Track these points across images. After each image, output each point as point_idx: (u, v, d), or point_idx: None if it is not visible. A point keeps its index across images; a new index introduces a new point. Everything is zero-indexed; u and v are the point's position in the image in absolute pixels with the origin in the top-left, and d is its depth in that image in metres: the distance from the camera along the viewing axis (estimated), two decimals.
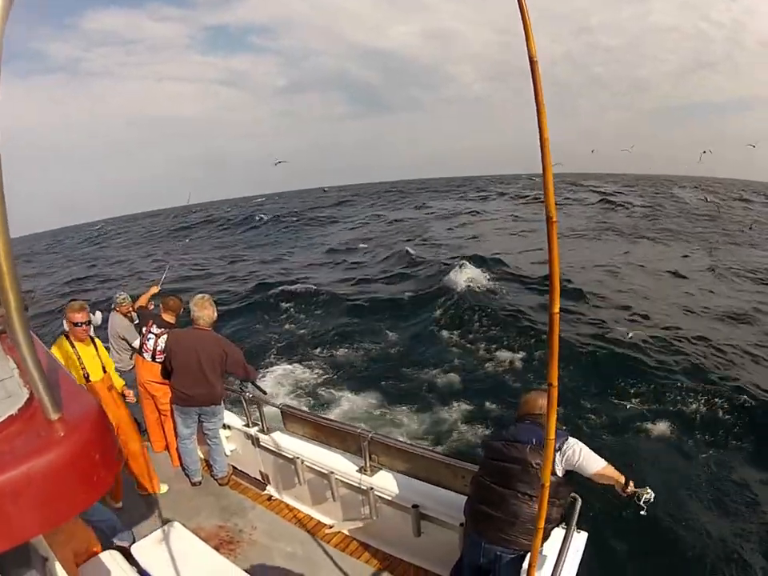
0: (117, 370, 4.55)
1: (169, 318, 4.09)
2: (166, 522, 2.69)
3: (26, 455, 0.72)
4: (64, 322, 4.08)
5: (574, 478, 2.10)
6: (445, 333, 10.04)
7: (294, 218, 33.04)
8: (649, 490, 2.00)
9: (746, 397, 6.78)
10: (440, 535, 2.57)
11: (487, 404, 6.97)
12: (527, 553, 1.90)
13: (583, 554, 2.07)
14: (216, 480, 3.68)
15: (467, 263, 13.54)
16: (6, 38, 0.66)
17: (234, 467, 3.81)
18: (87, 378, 3.24)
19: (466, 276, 12.72)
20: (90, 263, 24.99)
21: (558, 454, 2.04)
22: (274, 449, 3.37)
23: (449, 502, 2.52)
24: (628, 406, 6.90)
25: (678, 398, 7.01)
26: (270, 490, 3.54)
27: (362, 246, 20.14)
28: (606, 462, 2.09)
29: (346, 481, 2.93)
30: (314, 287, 13.30)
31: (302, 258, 19.00)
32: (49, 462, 0.74)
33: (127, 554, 2.20)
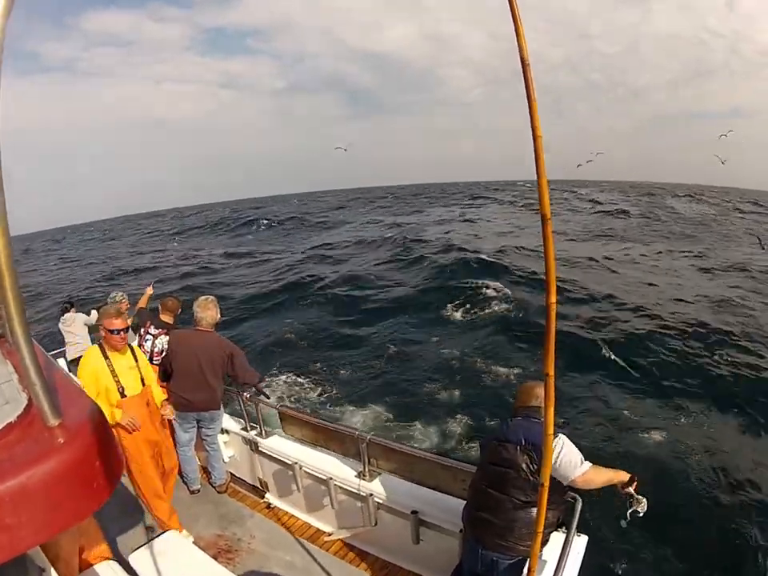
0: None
1: (167, 318, 4.04)
2: (164, 530, 2.66)
3: (25, 464, 0.71)
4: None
5: None
6: (456, 330, 10.29)
7: (294, 223, 33.62)
8: (644, 503, 1.93)
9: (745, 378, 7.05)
10: (439, 542, 2.55)
11: (489, 403, 6.96)
12: (525, 558, 1.88)
13: (584, 558, 2.05)
14: (214, 488, 3.65)
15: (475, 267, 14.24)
16: (6, 37, 0.66)
17: (232, 474, 3.77)
18: (122, 393, 2.92)
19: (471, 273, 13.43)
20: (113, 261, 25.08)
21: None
22: (272, 454, 3.35)
23: (448, 507, 2.50)
24: (626, 400, 6.99)
25: (677, 390, 7.17)
26: (269, 497, 3.51)
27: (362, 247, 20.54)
28: (589, 465, 1.93)
29: (345, 487, 2.91)
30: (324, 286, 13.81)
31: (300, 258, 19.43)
32: (48, 470, 0.72)
33: (125, 564, 2.17)
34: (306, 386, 8.15)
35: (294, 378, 8.39)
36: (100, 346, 2.97)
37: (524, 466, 1.93)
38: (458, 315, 11.22)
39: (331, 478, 2.93)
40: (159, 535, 2.46)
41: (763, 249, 13.24)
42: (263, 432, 3.47)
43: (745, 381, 7.32)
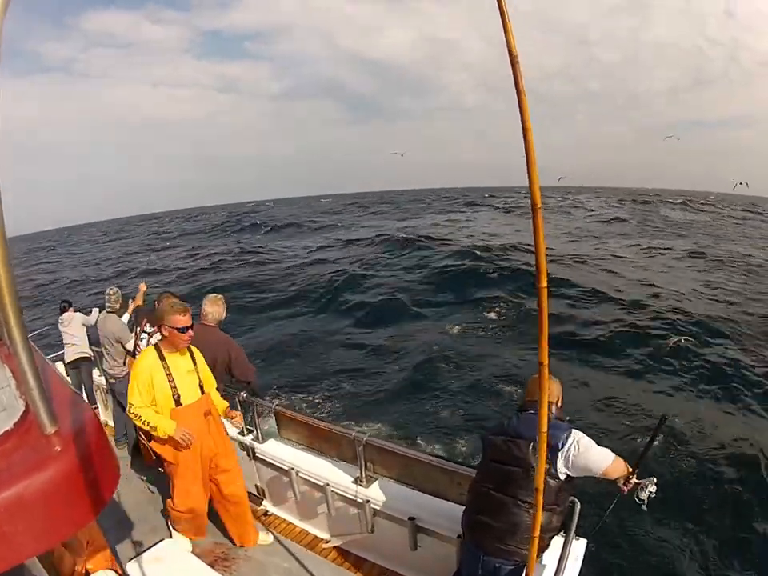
0: (113, 377, 4.32)
1: None
2: (160, 539, 2.64)
3: (22, 473, 0.70)
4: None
5: (575, 480, 1.94)
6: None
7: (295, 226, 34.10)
8: (653, 483, 1.87)
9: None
10: (437, 548, 2.52)
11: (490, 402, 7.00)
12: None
13: (583, 562, 2.02)
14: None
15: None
16: (4, 37, 0.66)
17: None
18: (178, 401, 2.62)
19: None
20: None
21: (559, 454, 1.85)
22: (269, 460, 3.32)
23: (445, 513, 2.48)
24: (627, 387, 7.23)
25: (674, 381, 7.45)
26: (266, 504, 3.49)
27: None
28: (614, 455, 1.90)
29: (342, 493, 2.89)
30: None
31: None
32: (45, 479, 0.71)
33: (123, 573, 2.15)
34: (305, 387, 8.18)
35: (292, 380, 8.41)
36: (156, 346, 2.69)
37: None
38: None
39: (328, 484, 2.91)
40: (156, 543, 2.44)
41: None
42: (260, 437, 3.44)
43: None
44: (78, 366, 5.28)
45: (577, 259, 17.10)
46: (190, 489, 2.76)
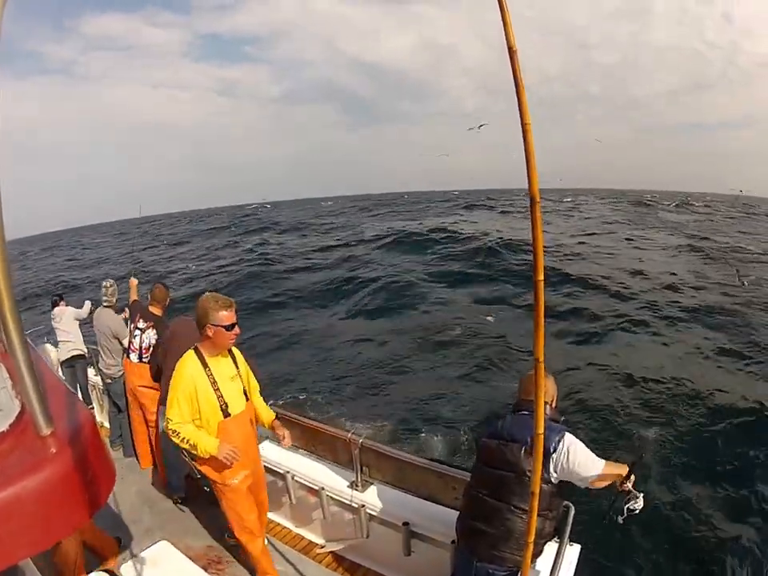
0: (109, 377, 4.16)
1: (156, 310, 3.73)
2: (153, 541, 2.62)
3: (17, 475, 0.70)
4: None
5: (568, 485, 1.90)
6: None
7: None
8: (641, 500, 1.80)
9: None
10: (431, 554, 2.52)
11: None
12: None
13: (576, 568, 2.02)
14: (207, 499, 3.56)
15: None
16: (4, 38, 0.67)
17: None
18: (225, 411, 2.32)
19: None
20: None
21: (551, 458, 1.80)
22: (264, 463, 3.30)
23: (440, 518, 2.47)
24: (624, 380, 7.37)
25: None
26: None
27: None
28: (604, 464, 1.83)
29: (337, 498, 2.88)
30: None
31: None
32: (40, 481, 0.71)
33: (117, 574, 2.17)
34: (305, 377, 8.29)
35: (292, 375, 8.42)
36: (197, 350, 2.35)
37: (528, 470, 1.78)
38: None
39: (323, 488, 2.89)
40: (150, 546, 2.43)
41: (743, 285, 12.78)
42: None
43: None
44: (73, 365, 5.10)
45: (575, 252, 18.48)
46: (244, 510, 2.51)
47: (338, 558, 2.95)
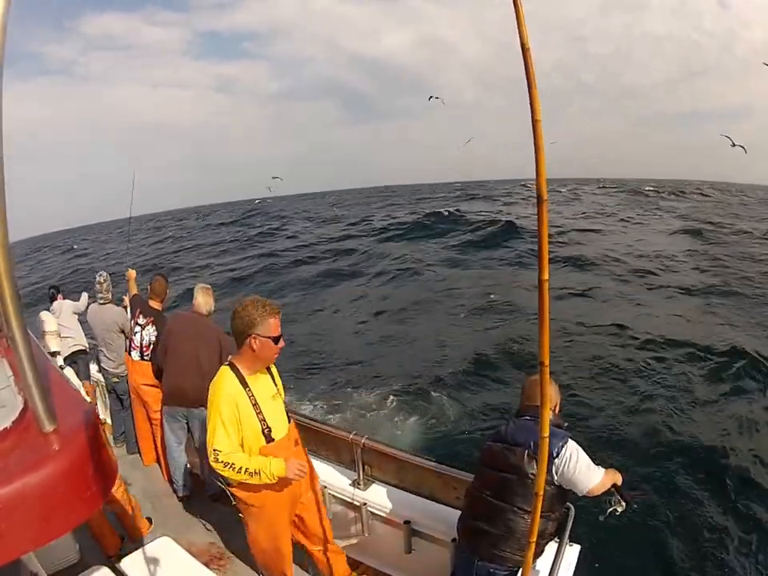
0: (116, 376, 4.03)
1: (155, 304, 3.64)
2: (155, 537, 2.63)
3: (20, 472, 0.71)
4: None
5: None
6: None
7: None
8: (623, 505, 1.92)
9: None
10: (431, 552, 2.53)
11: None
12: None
13: (576, 567, 2.04)
14: (208, 496, 3.55)
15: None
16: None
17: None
18: (269, 437, 2.05)
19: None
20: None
21: (555, 461, 1.83)
22: None
23: (441, 517, 2.49)
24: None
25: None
26: None
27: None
28: (603, 471, 1.89)
29: (339, 496, 2.89)
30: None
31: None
32: (43, 477, 0.72)
33: (116, 569, 2.17)
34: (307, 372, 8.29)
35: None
36: (233, 367, 2.03)
37: (530, 473, 1.82)
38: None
39: (325, 486, 2.90)
40: (151, 541, 2.44)
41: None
42: None
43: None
44: (75, 360, 5.04)
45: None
46: (279, 532, 2.27)
47: None
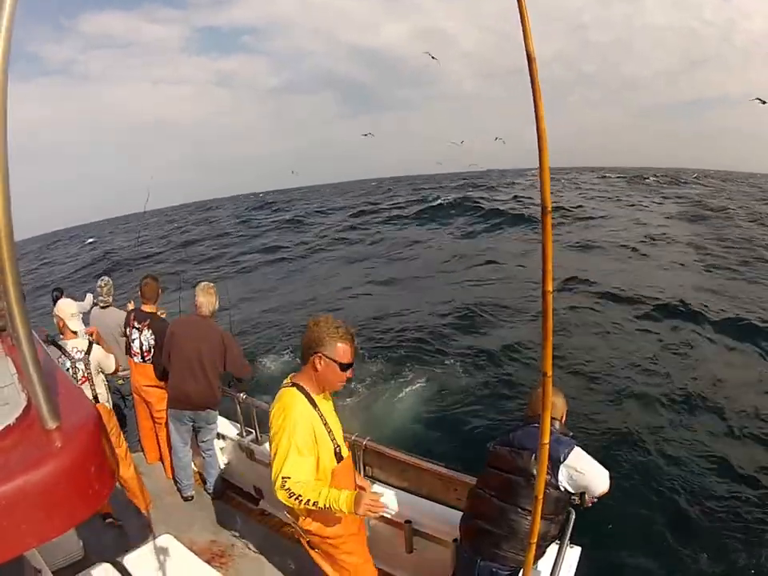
0: (122, 378, 4.01)
1: (148, 308, 3.59)
2: (158, 534, 2.65)
3: (22, 468, 0.71)
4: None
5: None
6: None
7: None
8: (588, 504, 1.97)
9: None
10: (433, 552, 2.54)
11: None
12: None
13: (577, 569, 2.05)
14: (209, 494, 3.60)
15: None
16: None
17: (227, 481, 3.73)
18: (339, 456, 1.92)
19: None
20: None
21: (562, 467, 1.89)
22: (267, 461, 3.31)
23: (442, 517, 2.50)
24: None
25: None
26: (264, 504, 3.49)
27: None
28: (607, 472, 1.96)
29: None
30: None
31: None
32: (45, 474, 0.72)
33: (119, 566, 2.17)
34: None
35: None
36: (300, 387, 1.86)
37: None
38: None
39: None
40: (154, 539, 2.44)
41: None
42: (258, 438, 3.43)
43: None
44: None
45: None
46: (361, 563, 2.12)
47: None
